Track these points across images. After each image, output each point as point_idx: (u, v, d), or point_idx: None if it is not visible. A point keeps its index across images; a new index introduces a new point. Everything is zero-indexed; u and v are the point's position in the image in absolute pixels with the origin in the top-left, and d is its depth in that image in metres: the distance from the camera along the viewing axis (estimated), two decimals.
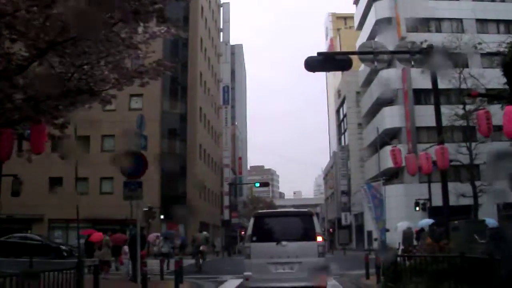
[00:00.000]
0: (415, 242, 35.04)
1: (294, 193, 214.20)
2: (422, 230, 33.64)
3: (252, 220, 14.07)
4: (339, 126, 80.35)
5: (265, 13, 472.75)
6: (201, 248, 31.83)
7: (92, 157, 53.85)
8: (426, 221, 38.52)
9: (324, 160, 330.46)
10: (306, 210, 16.14)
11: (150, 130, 53.90)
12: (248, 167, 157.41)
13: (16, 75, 9.55)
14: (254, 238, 13.58)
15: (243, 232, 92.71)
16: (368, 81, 64.70)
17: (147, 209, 48.97)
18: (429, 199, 46.39)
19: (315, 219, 14.03)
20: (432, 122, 50.04)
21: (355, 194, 66.41)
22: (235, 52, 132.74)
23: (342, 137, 76.26)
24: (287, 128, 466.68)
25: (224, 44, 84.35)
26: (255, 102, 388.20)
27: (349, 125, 70.19)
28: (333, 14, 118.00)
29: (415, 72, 55.61)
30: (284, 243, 13.20)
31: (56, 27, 8.94)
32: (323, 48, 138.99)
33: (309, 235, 13.42)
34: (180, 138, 57.17)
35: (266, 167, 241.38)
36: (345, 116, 74.02)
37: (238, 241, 67.03)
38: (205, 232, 43.38)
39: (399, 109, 56.08)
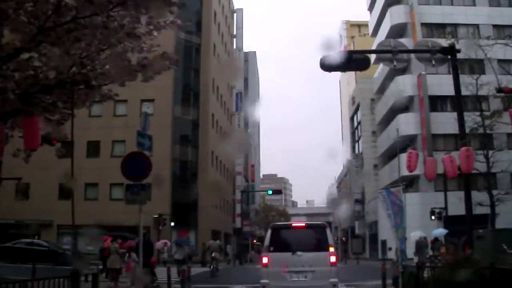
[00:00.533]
0: (430, 252, 34.14)
1: (307, 202, 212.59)
2: (436, 240, 33.66)
3: (269, 232, 14.87)
4: (353, 133, 79.32)
5: (277, 22, 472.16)
6: (213, 254, 35.31)
7: (102, 163, 53.40)
8: (440, 231, 38.25)
9: (337, 169, 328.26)
10: (320, 222, 16.87)
11: (162, 136, 53.65)
12: (261, 175, 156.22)
13: (5, 63, 8.78)
14: (272, 248, 14.36)
15: (255, 241, 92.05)
16: (382, 88, 63.73)
17: (157, 216, 48.55)
18: (445, 208, 45.18)
19: (328, 231, 14.72)
20: (448, 129, 49.60)
21: (369, 203, 65.33)
22: (249, 59, 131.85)
23: (356, 145, 75.25)
24: (300, 137, 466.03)
25: (237, 51, 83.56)
26: (268, 111, 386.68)
27: (363, 133, 69.19)
28: (347, 22, 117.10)
29: (431, 78, 54.78)
30: (299, 253, 13.97)
31: (47, 10, 8.17)
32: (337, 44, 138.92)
33: (322, 246, 14.20)
34: (192, 145, 56.43)
35: (279, 176, 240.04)
36: (359, 123, 73.00)
37: (250, 250, 65.99)
38: (218, 241, 46.07)
39: (415, 116, 55.04)
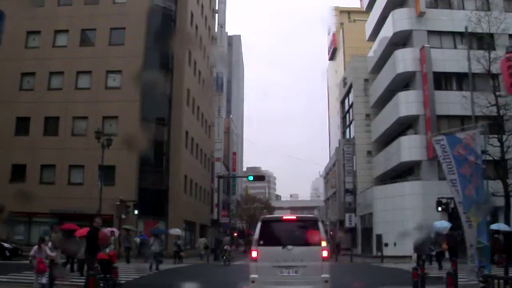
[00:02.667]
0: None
1: (291, 196, 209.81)
2: (437, 234, 30.07)
3: (259, 224, 14.35)
4: (343, 118, 72.66)
5: (262, 10, 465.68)
6: (225, 247, 39.41)
7: (61, 142, 46.89)
8: (443, 224, 33.20)
9: (322, 163, 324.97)
10: (312, 215, 18.96)
11: (129, 112, 46.92)
12: (245, 168, 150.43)
13: None
14: (261, 242, 13.95)
15: (236, 234, 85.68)
16: (378, 66, 57.36)
17: (118, 202, 41.90)
18: (453, 198, 38.78)
19: (320, 224, 14.34)
20: (454, 110, 43.38)
21: (361, 193, 58.86)
22: (233, 43, 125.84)
23: (347, 130, 68.61)
24: (285, 132, 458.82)
25: (219, 27, 76.72)
26: (253, 103, 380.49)
27: (356, 116, 62.55)
28: (336, 8, 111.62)
29: (434, 53, 48.59)
30: (289, 247, 13.64)
31: None
32: (325, 45, 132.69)
33: (314, 240, 13.79)
34: (163, 123, 49.64)
35: (263, 169, 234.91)
36: (351, 106, 66.47)
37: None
38: (203, 238, 46.25)
39: (416, 95, 48.67)
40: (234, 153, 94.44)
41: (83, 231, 23.17)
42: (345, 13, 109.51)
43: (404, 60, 50.12)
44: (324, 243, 13.83)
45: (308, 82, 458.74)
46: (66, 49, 48.82)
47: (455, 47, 50.20)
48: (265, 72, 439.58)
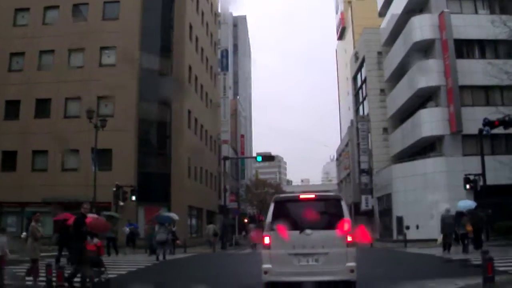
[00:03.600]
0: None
1: (302, 181, 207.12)
2: (461, 214, 27.27)
3: (272, 205, 12.61)
4: (356, 95, 68.75)
5: None
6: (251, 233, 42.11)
7: (53, 125, 43.58)
8: (467, 203, 30.60)
9: (333, 147, 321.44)
10: (333, 194, 15.13)
11: (125, 90, 43.24)
12: (254, 153, 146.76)
13: None
14: (274, 226, 12.18)
15: (246, 220, 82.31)
16: (393, 37, 53.44)
17: (114, 188, 38.55)
18: (483, 175, 35.38)
19: (343, 204, 12.49)
20: (477, 80, 39.60)
21: (378, 173, 55.14)
22: (238, 24, 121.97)
23: (361, 107, 64.75)
24: (295, 117, 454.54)
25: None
26: (261, 89, 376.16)
27: (370, 91, 58.69)
28: None
29: (454, 19, 44.72)
30: (308, 231, 11.91)
31: None
32: (333, 24, 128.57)
33: (336, 223, 12.00)
34: (164, 102, 46.08)
35: (273, 154, 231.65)
36: (364, 82, 62.61)
37: (237, 231, 55.90)
38: (212, 224, 43.64)
39: (437, 64, 44.76)
40: (242, 136, 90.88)
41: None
42: None
43: (422, 27, 46.23)
44: (348, 226, 12.05)
45: (317, 66, 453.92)
46: (57, 26, 45.53)
47: (476, 12, 46.42)
48: (273, 58, 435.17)
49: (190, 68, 49.31)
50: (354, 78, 68.99)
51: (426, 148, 47.28)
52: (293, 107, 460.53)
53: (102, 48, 44.99)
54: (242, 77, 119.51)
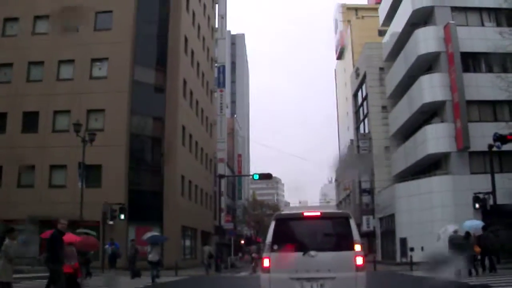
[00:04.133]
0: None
1: (300, 202, 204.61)
2: (468, 234, 25.54)
3: (272, 224, 11.27)
4: (356, 112, 66.78)
5: (267, 7, 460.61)
6: (253, 255, 42.09)
7: (41, 139, 41.57)
8: (474, 223, 29.98)
9: (331, 168, 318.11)
10: (341, 211, 12.65)
11: (116, 103, 41.11)
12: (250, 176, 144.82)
13: None
14: (275, 247, 10.90)
15: (242, 242, 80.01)
16: (395, 52, 51.73)
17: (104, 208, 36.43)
18: (493, 193, 33.48)
19: (352, 222, 11.02)
20: (485, 95, 37.90)
21: (380, 193, 53.01)
22: (236, 42, 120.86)
23: (361, 125, 62.77)
24: (293, 138, 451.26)
25: (220, 18, 71.18)
26: (259, 109, 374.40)
27: (371, 108, 56.74)
28: (344, 5, 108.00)
29: (460, 31, 42.99)
30: (313, 253, 10.61)
31: None
32: (332, 43, 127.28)
33: (345, 243, 10.77)
34: (157, 117, 44.14)
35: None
36: (365, 99, 60.71)
37: (232, 252, 53.56)
38: (208, 246, 41.75)
39: (442, 78, 42.97)
40: (240, 155, 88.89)
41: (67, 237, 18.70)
42: (352, 10, 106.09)
43: (426, 40, 44.48)
44: (358, 247, 10.77)
45: (316, 87, 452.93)
46: (47, 37, 43.57)
47: (483, 25, 44.75)
48: (271, 79, 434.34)
49: (185, 82, 47.38)
50: (355, 96, 67.12)
51: (431, 166, 45.29)
52: (291, 127, 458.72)
53: (94, 60, 43.03)
54: (239, 96, 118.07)
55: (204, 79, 58.38)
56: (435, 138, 42.54)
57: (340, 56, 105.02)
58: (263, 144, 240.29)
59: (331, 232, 11.39)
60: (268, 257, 10.91)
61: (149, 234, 31.32)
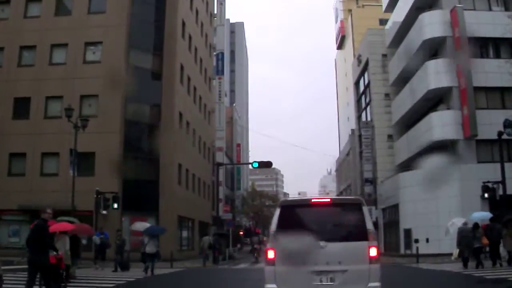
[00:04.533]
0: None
1: (299, 194, 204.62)
2: (476, 226, 24.95)
3: (277, 212, 10.21)
4: (358, 101, 65.25)
5: (265, 5, 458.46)
6: (255, 246, 43.93)
7: (32, 126, 40.14)
8: (482, 215, 29.71)
9: (331, 159, 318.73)
10: (353, 197, 12.00)
11: (111, 90, 39.67)
12: (250, 166, 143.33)
13: None
14: (280, 237, 9.89)
15: (241, 233, 78.53)
16: (399, 37, 50.14)
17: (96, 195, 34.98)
18: (503, 182, 32.24)
19: (365, 210, 10.08)
20: (493, 81, 36.46)
21: (383, 183, 51.55)
22: (235, 31, 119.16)
23: (364, 113, 61.24)
24: (292, 129, 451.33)
25: (218, 4, 69.44)
26: (257, 101, 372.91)
27: (374, 96, 55.18)
28: None
29: (467, 16, 41.43)
30: (322, 243, 9.60)
31: None
32: (332, 33, 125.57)
33: (357, 233, 9.79)
34: (152, 102, 42.67)
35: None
36: (367, 86, 59.16)
37: (230, 243, 52.12)
38: (208, 236, 39.83)
39: (448, 64, 41.42)
40: (239, 145, 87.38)
41: (60, 225, 19.13)
42: None
43: (432, 24, 42.90)
44: (371, 237, 9.83)
45: (314, 78, 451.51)
46: (39, 20, 42.19)
47: (490, 9, 43.22)
48: (270, 67, 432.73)
49: (182, 67, 45.85)
50: (356, 84, 65.54)
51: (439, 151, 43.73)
52: (290, 118, 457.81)
53: (87, 44, 41.56)
54: (238, 85, 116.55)
55: (202, 65, 56.86)
56: (441, 125, 41.05)
57: (340, 46, 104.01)
58: (263, 134, 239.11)
59: (342, 220, 10.30)
60: (273, 248, 9.97)
61: (137, 224, 29.92)
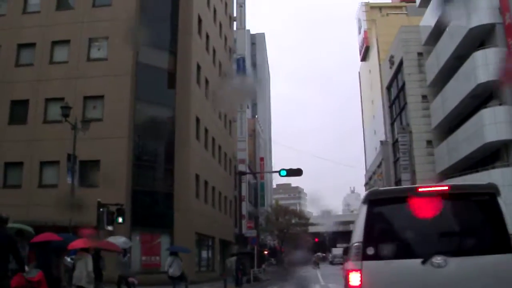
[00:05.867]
0: None
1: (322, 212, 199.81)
2: None
3: (363, 211, 6.84)
4: (390, 107, 60.26)
5: (285, 7, 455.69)
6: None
7: (31, 132, 35.69)
8: None
9: (351, 180, 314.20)
10: (482, 183, 7.18)
11: (118, 89, 34.81)
12: (274, 185, 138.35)
13: None
14: (370, 250, 6.54)
15: (266, 252, 73.39)
16: (437, 32, 45.29)
17: (102, 208, 30.15)
18: None
19: (501, 203, 6.54)
20: None
21: None
22: (256, 42, 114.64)
23: (398, 119, 56.12)
24: (313, 147, 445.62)
25: (238, 7, 65.04)
26: (280, 119, 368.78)
27: (410, 98, 50.10)
28: (367, 4, 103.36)
29: None
30: (439, 259, 6.20)
31: None
32: (356, 44, 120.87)
33: (495, 240, 6.38)
34: (165, 104, 38.05)
35: (293, 186, 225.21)
36: (401, 89, 54.23)
37: (256, 263, 47.12)
38: (234, 257, 36.37)
39: (499, 54, 36.40)
40: (262, 158, 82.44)
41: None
42: (376, 8, 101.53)
43: (479, 10, 37.93)
44: None
45: (337, 97, 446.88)
46: (39, 15, 37.97)
47: None
48: (292, 89, 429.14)
49: (198, 67, 41.33)
50: (388, 88, 60.61)
51: (486, 158, 38.61)
52: (312, 134, 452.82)
53: (92, 40, 37.15)
54: (261, 99, 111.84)
55: (222, 69, 52.29)
56: (494, 123, 35.92)
57: (364, 57, 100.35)
58: (286, 145, 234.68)
59: (469, 221, 6.80)
60: (359, 270, 6.46)
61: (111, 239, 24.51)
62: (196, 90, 40.51)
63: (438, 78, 45.58)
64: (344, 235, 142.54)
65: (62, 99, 35.05)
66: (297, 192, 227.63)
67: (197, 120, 40.35)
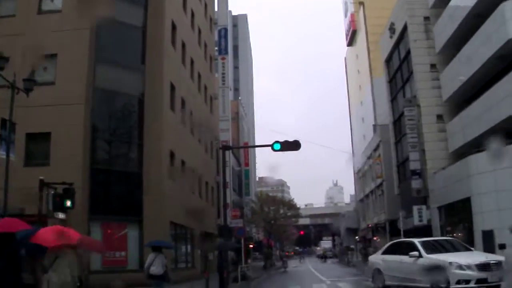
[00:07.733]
0: None
1: (306, 205, 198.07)
2: None
3: None
4: (390, 82, 53.95)
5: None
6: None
7: None
8: None
9: (335, 172, 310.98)
10: None
11: (75, 48, 27.10)
12: (258, 171, 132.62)
13: None
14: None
15: (251, 246, 66.75)
16: None
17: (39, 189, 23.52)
18: None
19: None
20: None
21: (438, 173, 39.88)
22: (238, 24, 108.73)
23: (400, 93, 49.83)
24: (300, 130, 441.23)
25: None
26: (261, 102, 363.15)
27: (416, 68, 43.74)
28: None
29: None
30: None
31: None
32: (342, 29, 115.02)
33: None
34: (133, 65, 31.43)
35: (276, 178, 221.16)
36: (403, 60, 47.94)
37: (243, 259, 40.73)
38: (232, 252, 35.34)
39: None
40: (246, 143, 76.02)
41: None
42: None
43: None
44: None
45: (322, 86, 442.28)
46: None
47: None
48: (276, 81, 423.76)
49: (173, 25, 34.80)
50: (387, 61, 54.24)
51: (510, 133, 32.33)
52: (298, 123, 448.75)
53: None
54: (243, 83, 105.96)
55: (201, 37, 45.75)
56: None
57: (351, 42, 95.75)
58: (272, 130, 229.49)
59: None
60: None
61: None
62: (171, 52, 33.99)
63: (450, 42, 39.40)
64: (328, 228, 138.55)
65: (7, 58, 28.63)
66: (280, 184, 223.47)
67: (172, 87, 33.82)
